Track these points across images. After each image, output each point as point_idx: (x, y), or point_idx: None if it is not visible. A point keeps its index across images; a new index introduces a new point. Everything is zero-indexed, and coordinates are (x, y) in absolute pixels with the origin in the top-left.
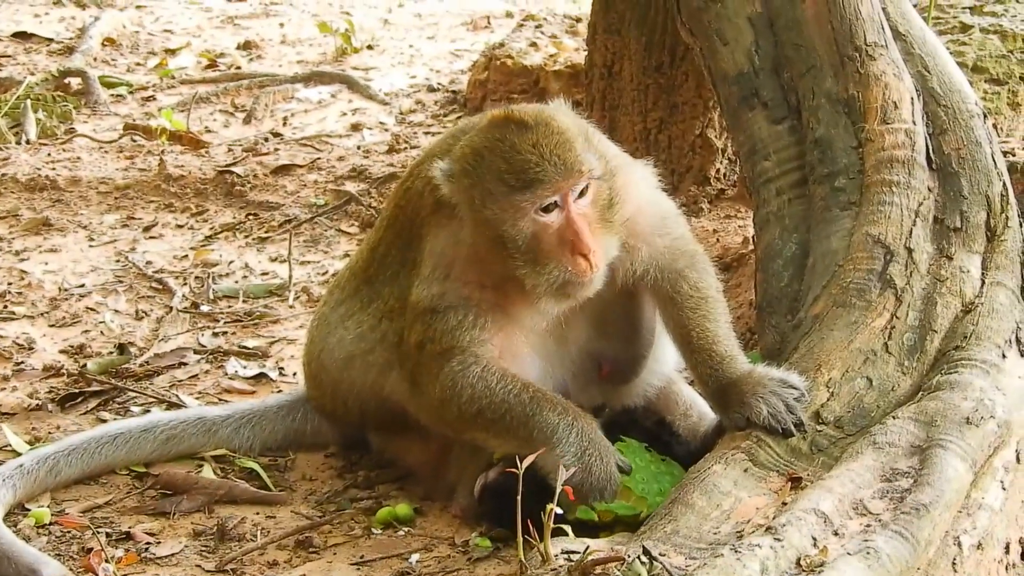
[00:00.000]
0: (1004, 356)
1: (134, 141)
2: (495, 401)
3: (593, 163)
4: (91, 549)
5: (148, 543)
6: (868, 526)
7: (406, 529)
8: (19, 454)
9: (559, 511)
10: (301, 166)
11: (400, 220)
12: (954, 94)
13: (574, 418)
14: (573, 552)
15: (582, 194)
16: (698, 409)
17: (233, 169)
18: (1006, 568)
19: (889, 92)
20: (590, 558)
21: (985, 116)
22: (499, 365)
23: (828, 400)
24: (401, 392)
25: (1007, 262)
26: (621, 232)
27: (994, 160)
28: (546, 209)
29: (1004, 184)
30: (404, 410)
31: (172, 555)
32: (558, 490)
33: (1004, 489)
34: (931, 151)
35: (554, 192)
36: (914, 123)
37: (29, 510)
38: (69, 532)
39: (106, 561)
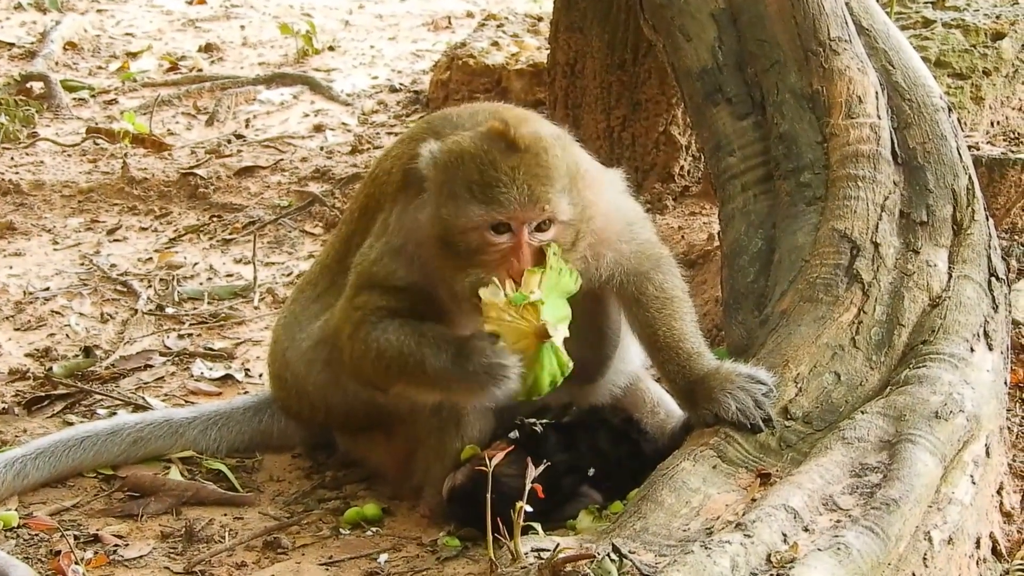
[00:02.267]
0: (972, 350)
1: (97, 144)
2: (394, 359)
3: (562, 207)
4: (59, 552)
5: (116, 545)
6: (838, 522)
7: (374, 529)
8: None
9: (529, 508)
10: (264, 168)
11: (370, 207)
12: (919, 88)
13: (446, 343)
14: (543, 550)
15: (542, 228)
16: (666, 406)
17: (196, 171)
18: (977, 563)
19: (853, 87)
20: (560, 556)
21: (950, 110)
22: (404, 323)
23: (796, 395)
24: (341, 363)
25: (974, 255)
26: (578, 265)
27: (960, 154)
28: (498, 229)
29: (970, 178)
30: (368, 408)
31: (140, 557)
32: (527, 488)
33: (974, 483)
34: (896, 145)
35: (508, 217)
36: (879, 117)
37: None
38: (37, 535)
39: (76, 563)
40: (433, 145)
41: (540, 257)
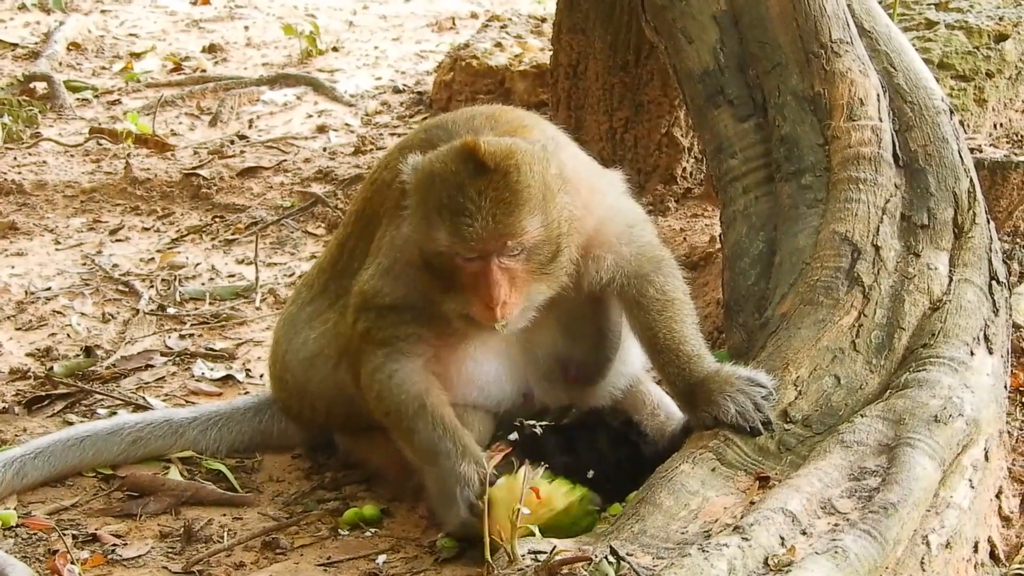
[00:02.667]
0: (972, 354)
1: (100, 144)
2: (391, 410)
3: (530, 231)
4: (57, 551)
5: (115, 545)
6: (836, 525)
7: (373, 530)
8: None
9: (526, 511)
10: (267, 168)
11: (367, 213)
12: (920, 90)
13: (439, 436)
14: (540, 552)
15: (513, 252)
16: (666, 409)
17: (199, 172)
18: (975, 567)
19: (855, 89)
20: (557, 558)
21: (952, 112)
22: (413, 374)
23: (796, 399)
24: (349, 381)
25: (975, 259)
26: (562, 276)
27: (961, 156)
28: (466, 255)
29: (971, 180)
30: (369, 412)
31: (139, 556)
32: (523, 490)
33: (973, 487)
34: (898, 148)
35: (472, 251)
36: (880, 120)
37: None
38: (36, 534)
39: (72, 563)
40: (416, 159)
41: (513, 277)
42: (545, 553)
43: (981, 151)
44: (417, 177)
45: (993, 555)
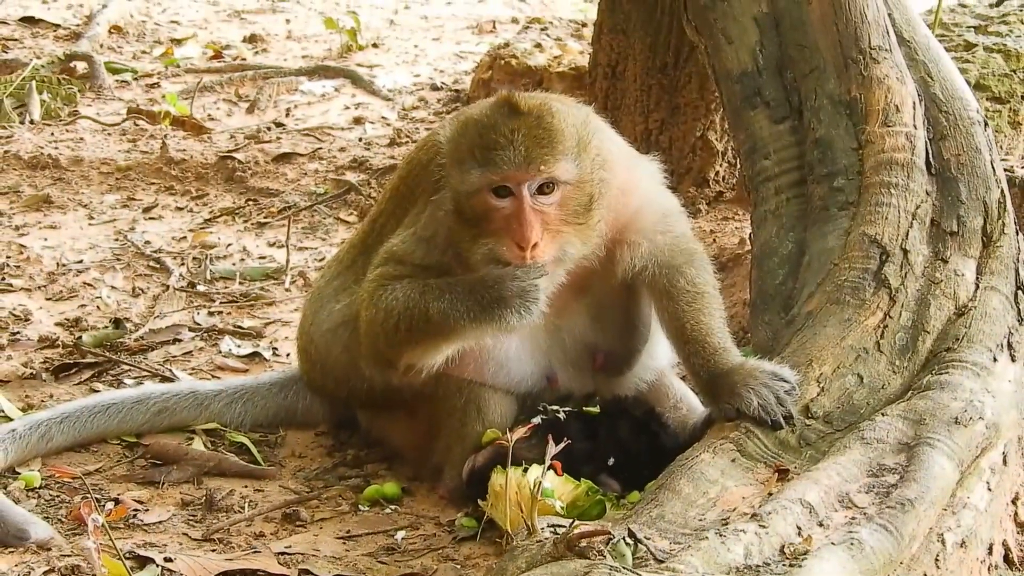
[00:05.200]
0: (995, 360)
1: (137, 125)
2: (399, 308)
3: (563, 168)
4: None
5: (136, 510)
6: (853, 518)
7: (393, 507)
8: (12, 420)
9: (547, 484)
10: (302, 155)
11: (401, 191)
12: (956, 101)
13: (454, 286)
14: (559, 526)
15: (545, 191)
16: (688, 403)
17: (234, 155)
18: (988, 569)
19: (891, 95)
20: (576, 531)
21: (986, 124)
22: (412, 279)
23: (818, 395)
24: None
25: (1002, 267)
26: (594, 237)
27: (993, 167)
28: (499, 193)
29: (1002, 191)
30: (387, 388)
31: (159, 522)
32: (546, 464)
33: (990, 490)
34: (931, 155)
35: (504, 179)
36: (915, 127)
37: (20, 474)
38: (59, 496)
39: (96, 511)
40: (451, 120)
41: (546, 222)
42: (564, 527)
43: (1013, 172)
44: (452, 130)
45: (1007, 559)
